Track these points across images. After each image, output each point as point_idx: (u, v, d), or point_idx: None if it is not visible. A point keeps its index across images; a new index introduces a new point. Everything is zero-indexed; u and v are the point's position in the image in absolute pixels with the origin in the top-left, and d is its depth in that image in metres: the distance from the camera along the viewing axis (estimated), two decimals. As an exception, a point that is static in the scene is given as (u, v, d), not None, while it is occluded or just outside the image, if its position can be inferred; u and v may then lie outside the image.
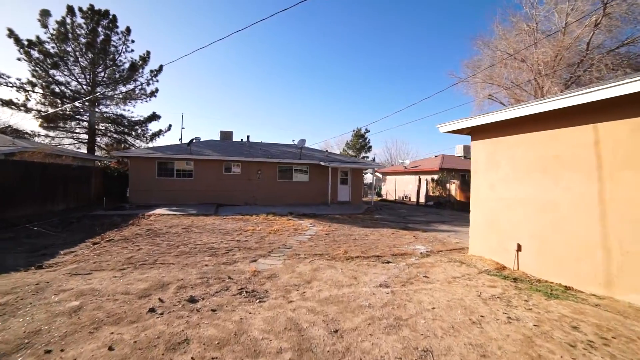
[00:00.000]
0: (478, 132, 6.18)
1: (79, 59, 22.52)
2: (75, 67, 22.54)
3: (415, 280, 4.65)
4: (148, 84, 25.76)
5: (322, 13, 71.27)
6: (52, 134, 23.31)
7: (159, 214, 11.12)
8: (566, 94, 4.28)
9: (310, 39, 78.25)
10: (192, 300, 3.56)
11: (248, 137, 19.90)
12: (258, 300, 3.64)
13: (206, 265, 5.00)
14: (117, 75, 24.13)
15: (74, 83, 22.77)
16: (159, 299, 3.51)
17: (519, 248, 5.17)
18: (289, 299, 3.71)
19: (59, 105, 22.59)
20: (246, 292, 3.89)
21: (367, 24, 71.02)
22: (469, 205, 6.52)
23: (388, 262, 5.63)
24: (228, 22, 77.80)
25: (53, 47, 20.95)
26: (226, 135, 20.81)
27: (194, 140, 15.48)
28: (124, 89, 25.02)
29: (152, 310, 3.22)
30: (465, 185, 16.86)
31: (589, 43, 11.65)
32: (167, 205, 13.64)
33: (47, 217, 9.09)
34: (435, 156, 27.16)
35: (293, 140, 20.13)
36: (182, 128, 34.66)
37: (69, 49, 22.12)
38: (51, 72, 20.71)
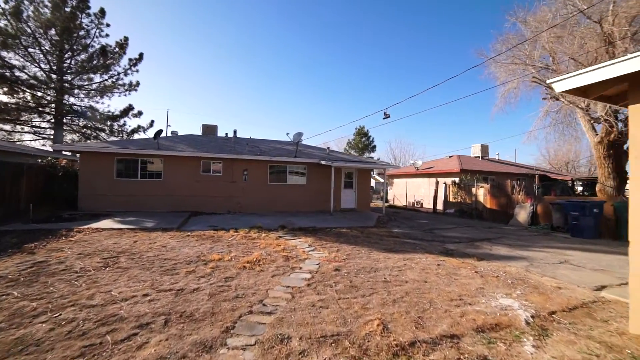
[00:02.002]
0: (649, 86, 3.11)
1: (41, 40, 19.35)
2: (36, 50, 19.34)
3: None
4: (126, 74, 22.72)
5: (322, 13, 68.67)
6: (7, 127, 20.05)
7: (97, 228, 7.92)
8: None
9: (309, 40, 75.61)
10: None
11: (235, 132, 16.72)
12: None
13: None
14: (85, 64, 20.94)
15: (34, 69, 19.56)
16: None
17: None
18: None
19: (19, 94, 19.46)
20: None
21: (368, 25, 68.57)
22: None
23: (488, 365, 2.50)
24: (223, 18, 75.01)
25: (6, 25, 17.74)
26: (209, 130, 17.59)
27: (162, 133, 12.19)
28: (98, 79, 21.97)
29: None
30: (497, 190, 13.77)
31: None
32: (124, 214, 10.44)
33: None
34: (449, 157, 24.13)
35: (287, 134, 17.03)
36: (168, 125, 31.47)
37: (29, 29, 18.97)
38: (1, 53, 17.45)
